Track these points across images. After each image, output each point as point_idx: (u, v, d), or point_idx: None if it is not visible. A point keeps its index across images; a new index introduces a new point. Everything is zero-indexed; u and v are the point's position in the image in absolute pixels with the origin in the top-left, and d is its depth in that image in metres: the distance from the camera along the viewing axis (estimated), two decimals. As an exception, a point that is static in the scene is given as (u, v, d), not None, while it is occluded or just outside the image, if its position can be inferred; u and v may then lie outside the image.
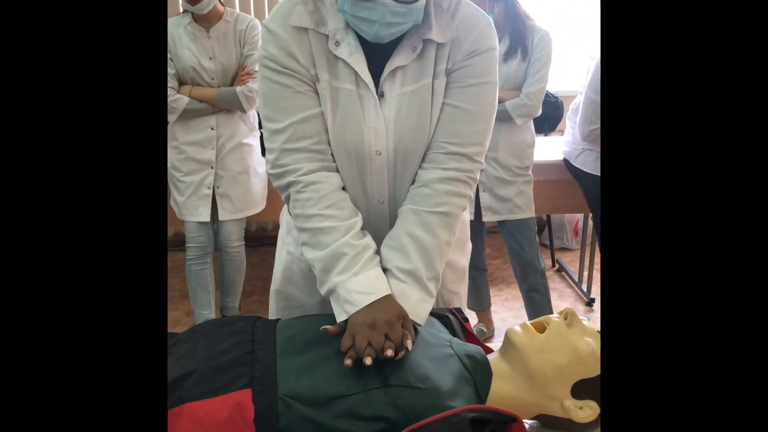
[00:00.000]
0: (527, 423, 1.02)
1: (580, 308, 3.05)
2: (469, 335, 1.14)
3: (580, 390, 0.96)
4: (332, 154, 1.10)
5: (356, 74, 1.06)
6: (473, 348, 1.04)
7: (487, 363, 1.00)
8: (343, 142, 1.08)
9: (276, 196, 2.79)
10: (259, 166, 2.61)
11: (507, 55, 2.24)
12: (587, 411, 0.96)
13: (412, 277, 1.05)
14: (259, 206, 2.63)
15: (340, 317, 1.00)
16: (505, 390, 0.97)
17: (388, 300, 1.01)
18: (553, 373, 0.95)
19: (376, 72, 1.06)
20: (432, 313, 1.14)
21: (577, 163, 2.47)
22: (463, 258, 1.32)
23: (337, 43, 1.04)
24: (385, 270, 1.07)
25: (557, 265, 3.55)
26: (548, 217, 3.65)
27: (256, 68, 2.46)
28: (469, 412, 0.87)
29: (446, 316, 1.16)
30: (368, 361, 0.90)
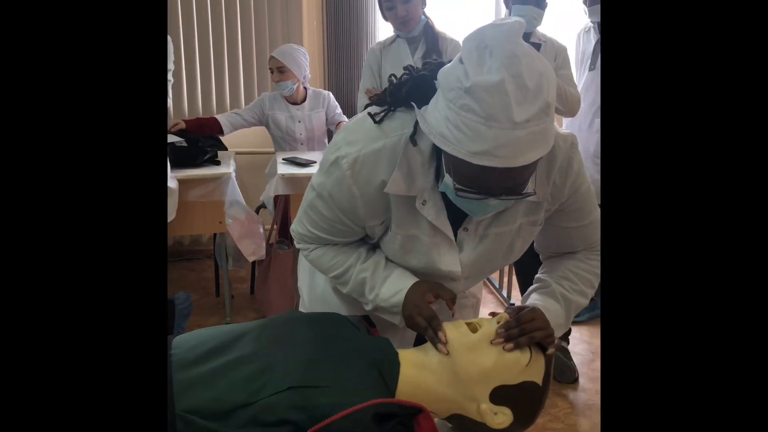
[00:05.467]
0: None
1: (500, 314, 3.12)
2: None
3: (499, 395, 0.98)
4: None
5: (436, 228, 1.06)
6: (380, 340, 1.05)
7: (394, 353, 1.01)
8: (415, 273, 1.13)
9: (191, 212, 2.76)
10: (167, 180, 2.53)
11: (424, 59, 2.49)
12: (501, 417, 0.98)
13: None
14: None
15: (397, 321, 1.12)
16: (427, 382, 0.98)
17: (413, 290, 1.09)
18: (477, 373, 0.97)
19: (456, 219, 1.07)
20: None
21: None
22: None
23: (424, 203, 1.04)
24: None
25: (479, 272, 3.62)
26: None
27: None
28: (371, 407, 0.87)
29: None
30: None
